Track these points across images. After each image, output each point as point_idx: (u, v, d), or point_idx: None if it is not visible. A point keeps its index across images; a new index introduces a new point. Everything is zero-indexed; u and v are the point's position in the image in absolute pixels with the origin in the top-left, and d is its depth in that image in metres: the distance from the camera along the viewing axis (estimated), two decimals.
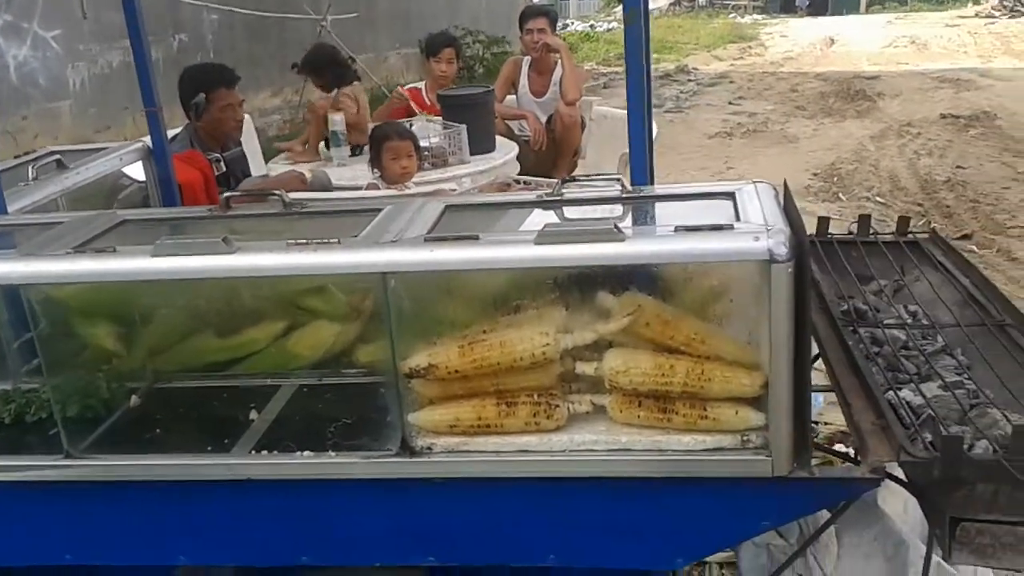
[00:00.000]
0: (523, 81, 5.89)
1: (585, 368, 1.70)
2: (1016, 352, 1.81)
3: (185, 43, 8.68)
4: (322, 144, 4.94)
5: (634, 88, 2.18)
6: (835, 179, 7.76)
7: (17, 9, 7.01)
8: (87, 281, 1.82)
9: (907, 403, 1.65)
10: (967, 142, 8.95)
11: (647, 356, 1.66)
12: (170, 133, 3.54)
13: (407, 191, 4.03)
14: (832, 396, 1.85)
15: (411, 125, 4.65)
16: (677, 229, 1.60)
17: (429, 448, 1.71)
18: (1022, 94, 11.33)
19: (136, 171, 3.10)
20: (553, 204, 1.97)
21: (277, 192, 2.07)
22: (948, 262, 2.22)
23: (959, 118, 9.96)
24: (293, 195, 2.13)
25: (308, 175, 4.21)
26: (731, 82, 13.86)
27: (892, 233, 2.40)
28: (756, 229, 1.56)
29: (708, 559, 2.85)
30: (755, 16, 26.27)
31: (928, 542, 1.87)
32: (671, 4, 27.74)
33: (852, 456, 2.47)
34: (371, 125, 4.79)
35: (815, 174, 7.94)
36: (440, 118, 4.89)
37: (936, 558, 1.88)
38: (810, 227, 2.24)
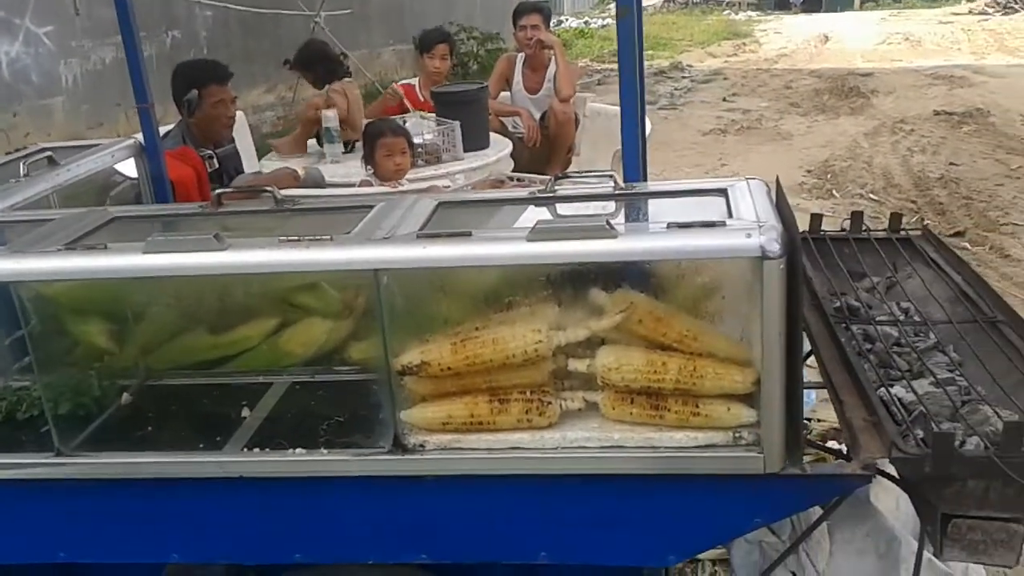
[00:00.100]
0: (517, 78, 5.88)
1: (577, 365, 1.70)
2: (1007, 349, 1.81)
3: (178, 39, 8.66)
4: (313, 140, 4.93)
5: (627, 85, 2.18)
6: (829, 176, 7.77)
7: (9, 5, 6.98)
8: (78, 278, 1.82)
9: (899, 400, 1.66)
10: (960, 139, 8.96)
11: (639, 353, 1.66)
12: (163, 130, 3.53)
13: (400, 188, 4.02)
14: (825, 393, 1.85)
15: (405, 122, 4.64)
16: (669, 226, 1.60)
17: (422, 445, 1.71)
18: (1015, 91, 11.35)
19: (128, 168, 3.08)
20: (546, 201, 1.97)
21: (269, 189, 2.07)
22: (940, 259, 2.22)
23: (952, 115, 9.97)
24: (285, 192, 2.13)
25: (301, 172, 4.20)
26: (725, 79, 13.86)
27: (885, 230, 2.40)
28: (748, 226, 1.56)
29: (701, 556, 2.85)
30: (749, 13, 26.29)
31: (920, 538, 1.88)
32: (665, 1, 27.75)
33: (844, 453, 2.47)
34: (365, 122, 4.79)
35: (809, 171, 7.95)
36: (434, 115, 4.88)
37: (928, 554, 1.89)
38: (803, 224, 2.25)
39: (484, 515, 1.76)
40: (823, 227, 2.42)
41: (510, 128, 5.65)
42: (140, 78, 2.96)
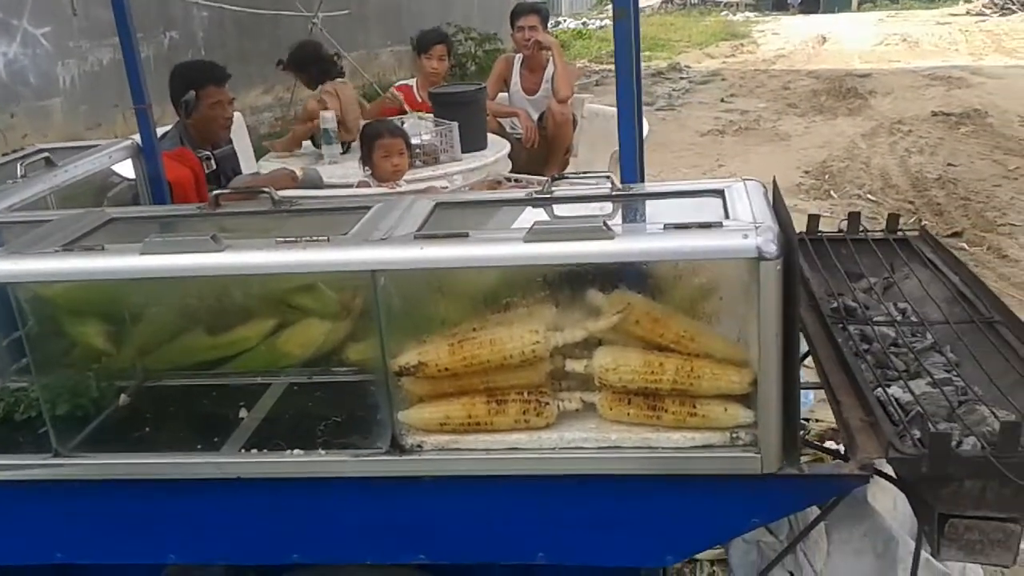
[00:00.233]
0: (515, 79, 5.88)
1: (575, 366, 1.70)
2: (1004, 349, 1.81)
3: (176, 40, 8.65)
4: (308, 142, 4.93)
5: (624, 86, 2.18)
6: (826, 177, 7.77)
7: (6, 6, 6.97)
8: (75, 279, 1.82)
9: (896, 400, 1.66)
10: (958, 140, 8.97)
11: (637, 354, 1.67)
12: (161, 131, 3.53)
13: (398, 188, 4.02)
14: (823, 394, 1.86)
15: (403, 122, 4.64)
16: (666, 227, 1.60)
17: (419, 446, 1.71)
18: (1013, 92, 11.36)
19: (126, 169, 3.08)
20: (543, 202, 1.97)
21: (267, 190, 2.07)
22: (937, 259, 2.22)
23: (950, 116, 9.98)
24: (283, 193, 2.13)
25: (299, 173, 4.20)
26: (723, 80, 13.87)
27: (882, 231, 2.40)
28: (745, 227, 1.57)
29: (698, 556, 2.85)
30: (747, 14, 26.31)
31: (917, 538, 1.88)
32: (663, 2, 27.77)
33: (842, 453, 2.47)
34: (362, 122, 4.78)
35: (806, 172, 7.95)
36: (431, 115, 4.88)
37: (925, 554, 1.89)
38: (801, 225, 2.25)
39: (482, 516, 1.76)
40: (820, 228, 2.42)
41: (508, 129, 5.65)
42: (137, 79, 2.96)
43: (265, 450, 1.79)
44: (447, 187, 4.25)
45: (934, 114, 10.14)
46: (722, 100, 11.95)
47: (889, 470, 1.60)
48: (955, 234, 6.07)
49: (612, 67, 2.20)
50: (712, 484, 1.66)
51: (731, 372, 1.63)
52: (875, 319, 1.97)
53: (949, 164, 7.99)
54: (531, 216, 1.92)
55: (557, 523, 1.74)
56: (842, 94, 11.91)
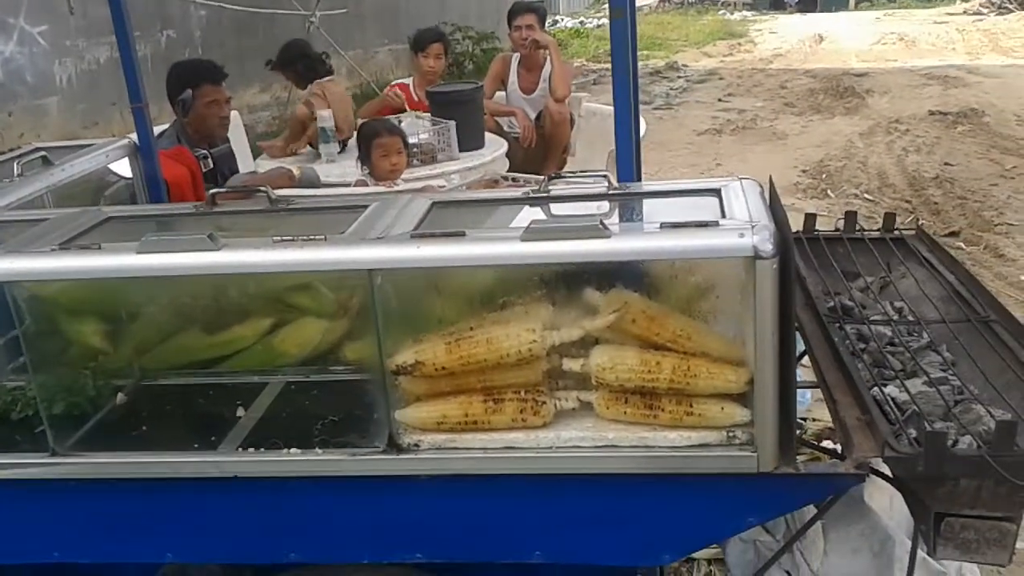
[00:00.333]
0: (512, 78, 5.88)
1: (572, 365, 1.70)
2: (1000, 348, 1.81)
3: (173, 39, 8.65)
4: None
5: (620, 85, 2.18)
6: (824, 176, 7.78)
7: (3, 4, 6.96)
8: (72, 278, 1.81)
9: (892, 399, 1.66)
10: (955, 139, 8.98)
11: (633, 353, 1.67)
12: (158, 129, 3.53)
13: (395, 187, 4.02)
14: (820, 393, 1.86)
15: (400, 121, 4.64)
16: (663, 226, 1.60)
17: (416, 445, 1.71)
18: (1010, 91, 11.38)
19: (123, 168, 3.08)
20: (540, 201, 1.97)
21: (263, 189, 2.07)
22: (934, 258, 2.22)
23: (947, 115, 9.98)
24: (280, 192, 2.13)
25: (296, 172, 4.20)
26: (720, 79, 13.87)
27: (878, 230, 2.41)
28: (741, 226, 1.57)
29: (695, 555, 2.86)
30: (744, 13, 26.30)
31: (913, 537, 1.88)
32: (661, 1, 27.76)
33: (839, 452, 2.48)
34: (360, 121, 4.79)
35: (804, 171, 7.96)
36: (429, 114, 4.88)
37: (921, 553, 1.90)
38: (798, 224, 2.25)
39: (479, 514, 1.76)
40: (817, 227, 2.43)
41: (505, 128, 5.65)
42: (134, 78, 2.95)
43: (262, 449, 1.79)
44: (444, 186, 4.25)
45: (931, 113, 10.14)
46: (719, 99, 11.96)
47: (885, 469, 1.60)
48: (952, 233, 6.08)
49: (609, 66, 2.19)
50: (709, 483, 1.67)
51: (727, 371, 1.64)
52: (871, 318, 1.98)
53: (946, 163, 7.99)
54: (528, 215, 1.93)
55: (554, 522, 1.74)
56: (839, 93, 11.92)
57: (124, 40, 2.91)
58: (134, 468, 1.80)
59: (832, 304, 2.03)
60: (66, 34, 7.51)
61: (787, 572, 2.11)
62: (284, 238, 1.69)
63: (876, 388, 1.69)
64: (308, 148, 4.94)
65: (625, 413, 1.68)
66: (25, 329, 1.81)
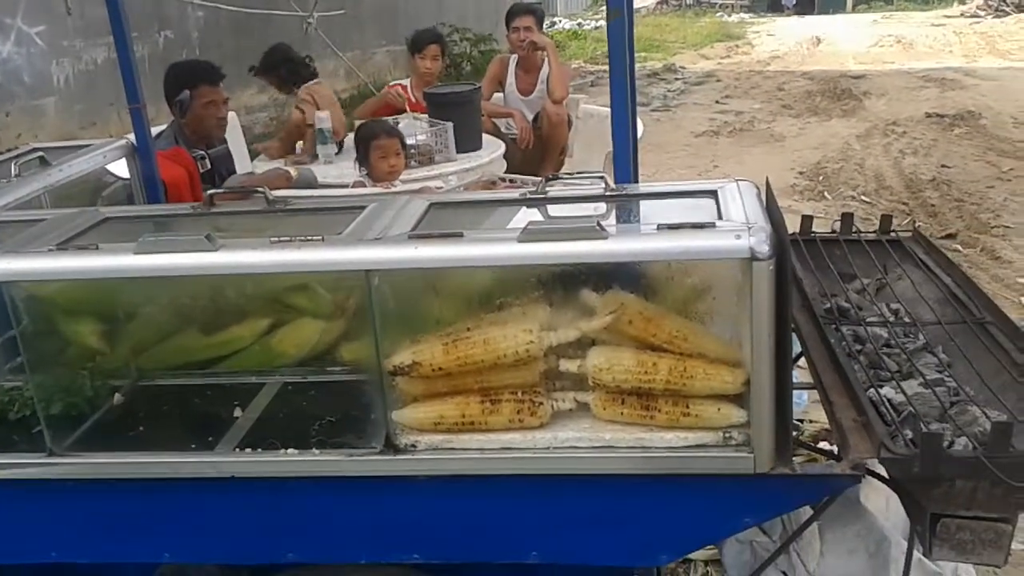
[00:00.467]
0: (510, 79, 5.89)
1: (568, 366, 1.71)
2: (996, 350, 1.82)
3: (171, 40, 8.65)
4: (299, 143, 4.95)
5: (617, 86, 2.18)
6: (821, 178, 7.79)
7: (0, 5, 6.96)
8: (70, 278, 1.82)
9: (888, 400, 1.67)
10: (952, 141, 8.99)
11: (630, 354, 1.67)
12: (155, 130, 3.53)
13: (393, 188, 4.02)
14: (817, 394, 1.86)
15: (397, 123, 4.64)
16: (659, 227, 1.60)
17: (413, 446, 1.72)
18: (1006, 93, 11.40)
19: (120, 168, 3.08)
20: (537, 202, 1.97)
21: (261, 189, 2.07)
22: (930, 260, 2.23)
23: (944, 117, 10.00)
24: (278, 192, 2.13)
25: (294, 173, 4.20)
26: (718, 81, 13.88)
27: (875, 232, 2.41)
28: (738, 227, 1.57)
29: (692, 556, 2.86)
30: (742, 15, 26.32)
31: (909, 538, 1.89)
32: (658, 3, 27.78)
33: (835, 453, 2.48)
34: (357, 121, 4.79)
35: (801, 173, 7.97)
36: (426, 116, 4.88)
37: (917, 554, 1.90)
38: (795, 226, 2.26)
39: (476, 515, 1.76)
40: (814, 228, 2.43)
41: (503, 129, 5.65)
42: (132, 79, 2.95)
43: (260, 449, 1.79)
44: (442, 187, 4.25)
45: (928, 116, 10.16)
46: (717, 101, 11.97)
47: (881, 470, 1.60)
48: (949, 235, 6.08)
49: (607, 68, 2.20)
50: (705, 484, 1.67)
51: (724, 372, 1.64)
52: (868, 320, 1.98)
53: (943, 165, 8.00)
54: (525, 216, 1.93)
55: (551, 522, 1.74)
56: (836, 95, 11.93)
57: (122, 41, 2.91)
58: (131, 468, 1.80)
59: (828, 306, 2.04)
60: (64, 35, 7.51)
61: (783, 573, 2.11)
62: (282, 239, 1.70)
63: (872, 389, 1.70)
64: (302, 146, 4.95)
65: (622, 414, 1.69)
66: (23, 329, 1.81)
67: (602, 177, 2.01)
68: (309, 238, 1.69)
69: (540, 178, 2.04)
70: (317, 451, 1.76)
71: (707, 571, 2.87)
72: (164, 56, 7.98)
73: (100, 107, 7.62)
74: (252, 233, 1.96)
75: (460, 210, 2.15)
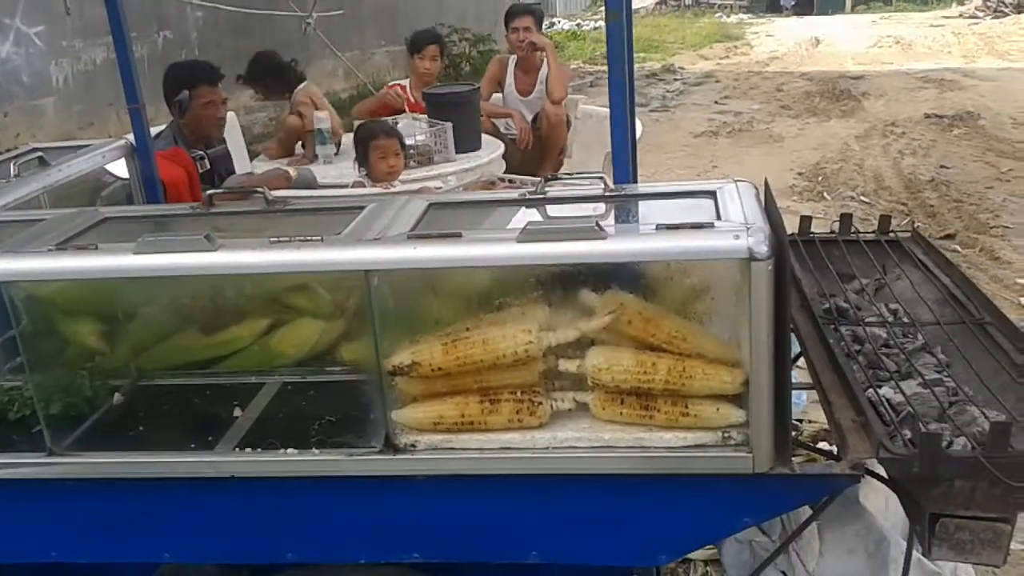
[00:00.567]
0: (509, 80, 5.89)
1: (568, 366, 1.71)
2: (995, 350, 1.82)
3: (170, 40, 8.65)
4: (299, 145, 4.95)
5: (616, 87, 2.18)
6: (820, 179, 7.79)
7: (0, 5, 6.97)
8: (69, 278, 1.82)
9: (887, 400, 1.67)
10: (951, 142, 8.99)
11: (629, 354, 1.67)
12: (155, 130, 3.53)
13: (392, 189, 4.02)
14: (816, 395, 1.86)
15: (396, 123, 4.64)
16: (658, 227, 1.60)
17: (413, 445, 1.72)
18: (1005, 94, 11.40)
19: (119, 168, 3.08)
20: (536, 202, 1.98)
21: (260, 189, 2.07)
22: (929, 261, 2.23)
23: (943, 118, 10.00)
24: (277, 193, 2.13)
25: (293, 173, 4.20)
26: (717, 81, 13.89)
27: (874, 232, 2.41)
28: (736, 228, 1.57)
29: (692, 556, 2.86)
30: (741, 16, 26.33)
31: (908, 538, 1.89)
32: (657, 3, 27.78)
33: (835, 453, 2.49)
34: (356, 121, 4.79)
35: (800, 173, 7.97)
36: (425, 116, 4.88)
37: (916, 554, 1.90)
38: (793, 226, 2.26)
39: (475, 515, 1.76)
40: (812, 229, 2.43)
41: (502, 130, 5.65)
42: (131, 79, 2.96)
43: (259, 449, 1.79)
44: (441, 187, 4.25)
45: (927, 116, 10.16)
46: (716, 102, 11.97)
47: (880, 470, 1.60)
48: (948, 236, 6.09)
49: (606, 68, 2.20)
50: (704, 484, 1.67)
51: (723, 372, 1.64)
52: (867, 320, 1.98)
53: (942, 166, 8.01)
54: (524, 216, 1.93)
55: (550, 522, 1.74)
56: (835, 96, 11.93)
57: (121, 41, 2.91)
58: (131, 468, 1.80)
59: (827, 306, 2.04)
60: (62, 35, 7.51)
61: (783, 572, 2.12)
62: (281, 239, 1.70)
63: (871, 390, 1.70)
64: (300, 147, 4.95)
65: (621, 414, 1.69)
66: (22, 329, 1.81)
67: (601, 177, 2.01)
68: (308, 238, 1.69)
69: (539, 178, 2.04)
70: (317, 451, 1.76)
71: (707, 571, 2.87)
72: (163, 56, 7.98)
73: (99, 107, 7.63)
74: (251, 233, 1.96)
75: (459, 210, 2.15)
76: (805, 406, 3.44)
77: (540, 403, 1.71)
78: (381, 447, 1.72)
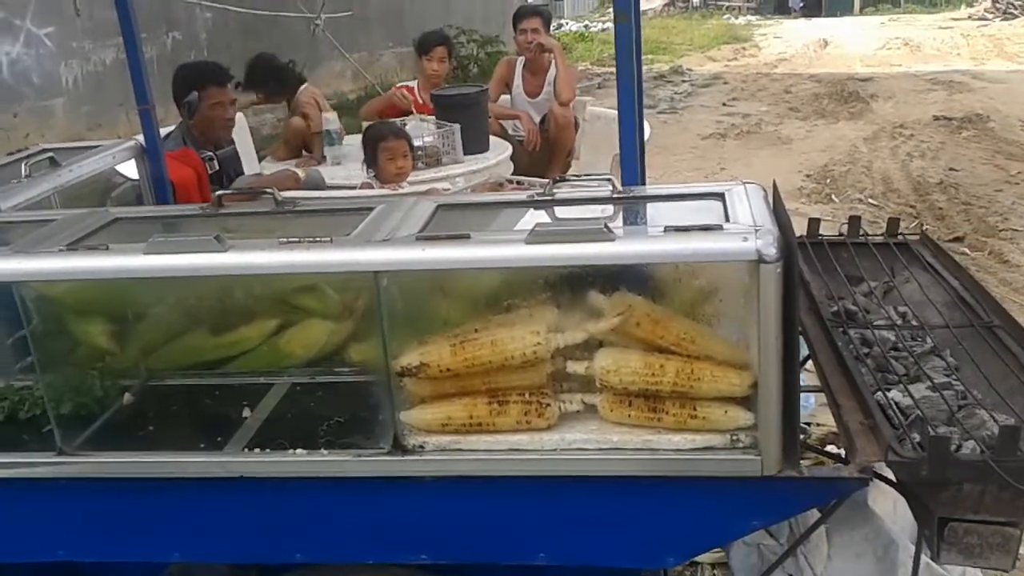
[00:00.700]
0: (517, 81, 5.89)
1: (576, 367, 1.71)
2: (1004, 353, 1.82)
3: (179, 41, 8.68)
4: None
5: (625, 88, 2.18)
6: (828, 181, 7.78)
7: (10, 6, 6.99)
8: (80, 279, 1.83)
9: (896, 404, 1.67)
10: (959, 144, 8.97)
11: (637, 356, 1.67)
12: (163, 131, 3.54)
13: (400, 190, 4.03)
14: (824, 398, 1.86)
15: (404, 124, 4.65)
16: (667, 229, 1.60)
17: (421, 446, 1.72)
18: (1014, 96, 11.37)
19: (129, 169, 3.09)
20: (544, 204, 1.98)
21: (270, 190, 2.08)
22: (937, 264, 2.23)
23: (952, 120, 9.98)
24: (286, 194, 2.14)
25: (301, 174, 4.21)
26: (725, 83, 13.88)
27: (882, 234, 2.41)
28: (745, 230, 1.57)
29: (699, 559, 2.86)
30: (749, 17, 26.32)
31: (917, 542, 1.88)
32: (665, 5, 27.78)
33: (843, 457, 2.48)
34: (364, 123, 4.80)
35: (808, 176, 7.96)
36: (433, 117, 4.89)
37: (925, 558, 1.89)
38: (802, 228, 2.26)
39: (483, 516, 1.76)
40: (821, 231, 2.43)
41: (510, 131, 5.66)
42: (141, 80, 2.97)
43: (268, 450, 1.80)
44: (449, 189, 4.26)
45: (936, 118, 10.14)
46: (724, 103, 11.97)
47: (889, 473, 1.60)
48: (957, 239, 6.07)
49: (614, 70, 2.20)
50: (712, 486, 1.67)
51: (731, 375, 1.64)
52: (875, 323, 1.98)
53: (951, 169, 7.99)
54: (532, 218, 1.93)
55: (558, 524, 1.74)
56: (844, 98, 11.92)
57: (131, 42, 2.92)
58: (141, 468, 1.81)
59: (836, 308, 2.04)
60: (72, 36, 7.54)
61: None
62: (290, 240, 1.70)
63: (880, 393, 1.69)
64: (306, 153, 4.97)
65: (629, 416, 1.69)
66: (33, 329, 1.82)
67: (609, 179, 2.02)
68: (317, 239, 1.70)
69: (547, 180, 2.05)
70: (325, 451, 1.76)
71: (714, 574, 2.87)
72: (172, 57, 8.00)
73: (108, 108, 7.65)
74: (261, 234, 1.96)
75: (468, 212, 2.16)
76: (813, 409, 3.44)
77: (548, 405, 1.71)
78: (389, 448, 1.72)
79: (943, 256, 2.26)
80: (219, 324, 2.01)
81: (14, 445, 1.88)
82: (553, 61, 5.72)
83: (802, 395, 1.72)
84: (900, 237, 2.39)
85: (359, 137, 4.49)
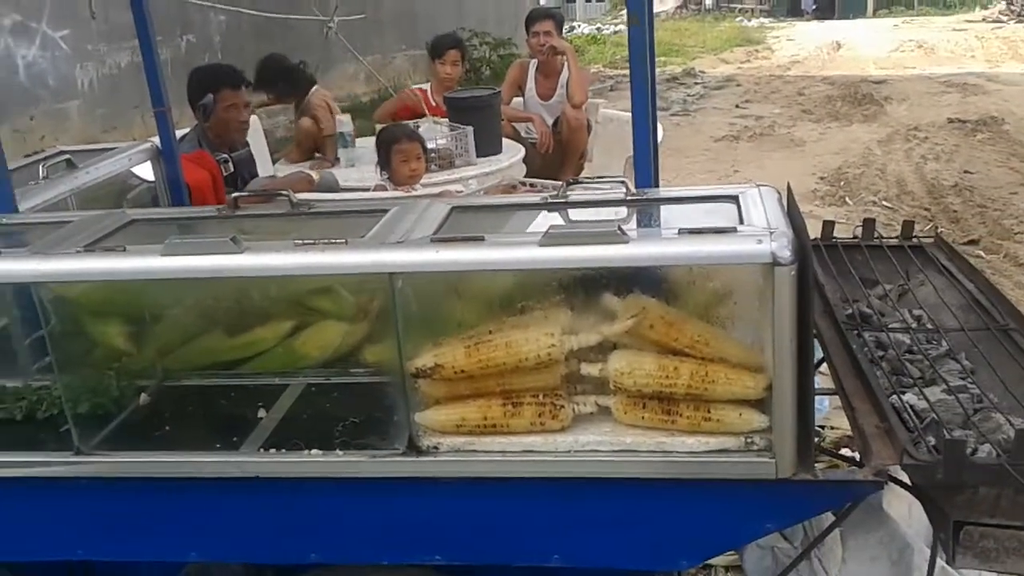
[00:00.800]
0: (529, 84, 5.89)
1: (590, 369, 1.71)
2: (1020, 356, 1.81)
3: (193, 44, 8.72)
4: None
5: (638, 91, 2.19)
6: (842, 183, 7.75)
7: (26, 9, 7.04)
8: (97, 280, 1.84)
9: (911, 407, 1.66)
10: (974, 147, 8.93)
11: (651, 358, 1.67)
12: (178, 133, 3.56)
13: (413, 192, 4.04)
14: (838, 401, 1.86)
15: (417, 127, 4.66)
16: (681, 231, 1.61)
17: (435, 447, 1.72)
18: None
19: (145, 171, 3.11)
20: (558, 206, 1.98)
21: (285, 192, 2.09)
22: (952, 266, 2.22)
23: (966, 123, 9.93)
24: (300, 196, 2.15)
25: (315, 176, 4.23)
26: (738, 85, 13.85)
27: (897, 237, 2.40)
28: (759, 232, 1.57)
29: (713, 562, 2.85)
30: (762, 19, 26.27)
31: (932, 546, 1.88)
32: (678, 7, 27.75)
33: (858, 460, 2.48)
34: (378, 125, 4.81)
35: (822, 178, 7.93)
36: (446, 120, 4.90)
37: (940, 562, 1.89)
38: (816, 231, 2.25)
39: (497, 517, 1.77)
40: (835, 234, 2.43)
41: (523, 134, 5.66)
42: (157, 82, 2.99)
43: (284, 450, 1.81)
44: (462, 191, 4.27)
45: (950, 121, 10.10)
46: (737, 106, 11.94)
47: (904, 477, 1.60)
48: (971, 241, 6.04)
49: (626, 72, 2.20)
50: (726, 489, 1.67)
51: (746, 377, 1.64)
52: (890, 326, 1.98)
53: (965, 171, 7.95)
54: (546, 220, 1.94)
55: (572, 525, 1.74)
56: (857, 100, 11.88)
57: (147, 45, 2.94)
58: (157, 468, 1.82)
59: (850, 311, 2.04)
60: (88, 39, 7.58)
61: None
62: (305, 241, 1.71)
63: (895, 396, 1.69)
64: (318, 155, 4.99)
65: (643, 418, 1.69)
66: (51, 329, 1.83)
67: (622, 181, 2.02)
68: (332, 241, 1.71)
69: (560, 182, 2.05)
70: (340, 452, 1.77)
71: None
72: (186, 60, 8.04)
73: (123, 110, 7.69)
74: (276, 236, 1.97)
75: (481, 214, 2.16)
76: (828, 412, 3.43)
77: (562, 406, 1.71)
78: (404, 449, 1.73)
79: (958, 259, 2.26)
80: (235, 325, 2.02)
81: (32, 445, 1.90)
82: (566, 64, 5.73)
83: (816, 398, 1.71)
84: (915, 240, 2.38)
85: (372, 139, 4.50)
